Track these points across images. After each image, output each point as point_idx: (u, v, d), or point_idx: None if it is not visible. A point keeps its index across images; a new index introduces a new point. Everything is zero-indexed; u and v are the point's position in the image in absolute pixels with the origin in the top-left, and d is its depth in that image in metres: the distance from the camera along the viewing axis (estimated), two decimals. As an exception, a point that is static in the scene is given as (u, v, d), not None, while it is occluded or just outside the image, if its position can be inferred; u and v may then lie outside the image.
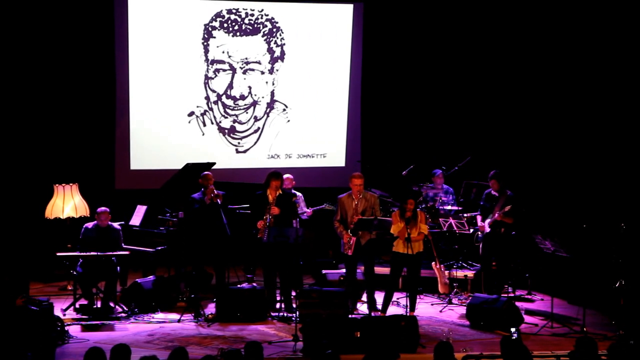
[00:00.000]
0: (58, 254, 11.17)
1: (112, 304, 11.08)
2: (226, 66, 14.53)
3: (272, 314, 11.06)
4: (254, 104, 14.69)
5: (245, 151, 14.74)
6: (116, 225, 11.43)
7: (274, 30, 14.62)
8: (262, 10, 14.48)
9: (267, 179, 11.27)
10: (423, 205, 12.73)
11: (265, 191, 11.27)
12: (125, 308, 11.10)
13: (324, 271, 12.51)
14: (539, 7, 14.26)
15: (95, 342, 9.51)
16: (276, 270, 11.32)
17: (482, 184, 12.17)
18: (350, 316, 10.52)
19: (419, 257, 10.84)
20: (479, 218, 12.06)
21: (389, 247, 11.11)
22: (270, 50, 14.64)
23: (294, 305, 10.87)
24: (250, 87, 14.64)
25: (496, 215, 11.68)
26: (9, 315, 9.44)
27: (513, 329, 9.29)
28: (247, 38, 14.53)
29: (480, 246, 12.11)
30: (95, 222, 11.26)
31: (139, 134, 14.17)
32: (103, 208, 11.30)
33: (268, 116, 14.77)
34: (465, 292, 12.21)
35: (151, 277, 11.54)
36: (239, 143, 14.70)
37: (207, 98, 14.50)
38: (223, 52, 14.46)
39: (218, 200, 11.41)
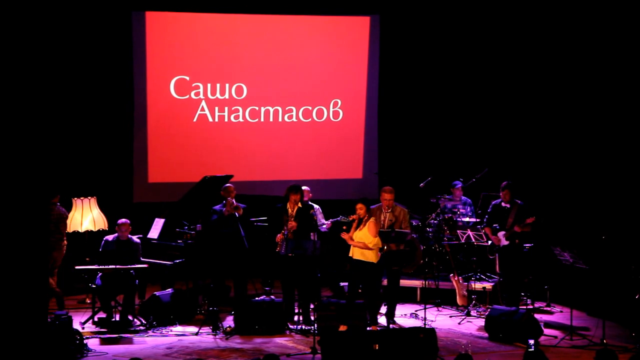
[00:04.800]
0: (77, 267, 11.22)
1: (130, 317, 11.09)
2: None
3: (291, 326, 11.06)
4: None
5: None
6: (136, 238, 11.48)
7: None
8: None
9: (286, 193, 11.28)
10: (441, 217, 12.72)
11: (285, 204, 11.29)
12: (143, 321, 11.12)
13: (341, 284, 12.49)
14: (558, 21, 14.20)
15: (114, 356, 9.58)
16: (294, 282, 11.32)
17: (500, 195, 12.13)
18: (368, 328, 10.51)
19: (371, 266, 10.81)
20: (487, 230, 12.00)
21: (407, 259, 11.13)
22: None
23: (312, 318, 10.87)
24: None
25: (515, 227, 11.64)
26: (28, 329, 9.45)
27: (531, 341, 9.26)
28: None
29: (497, 259, 12.06)
30: (116, 234, 11.33)
31: (157, 147, 14.22)
32: (124, 220, 11.37)
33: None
34: (484, 304, 12.16)
35: (169, 290, 11.56)
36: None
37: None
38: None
39: (237, 212, 11.45)
